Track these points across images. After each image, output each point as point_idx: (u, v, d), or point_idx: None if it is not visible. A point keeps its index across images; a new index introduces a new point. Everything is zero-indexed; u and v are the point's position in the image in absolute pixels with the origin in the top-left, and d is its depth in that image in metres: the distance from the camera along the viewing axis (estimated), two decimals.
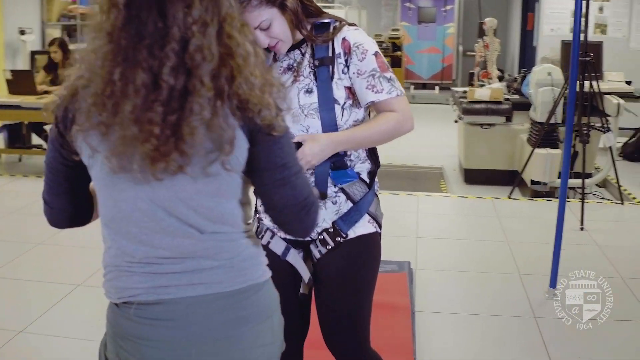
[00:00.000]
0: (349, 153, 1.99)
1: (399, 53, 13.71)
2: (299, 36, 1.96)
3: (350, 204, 2.00)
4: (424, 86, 14.94)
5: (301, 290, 2.11)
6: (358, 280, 2.06)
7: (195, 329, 1.41)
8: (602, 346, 3.34)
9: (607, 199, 6.26)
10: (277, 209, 1.46)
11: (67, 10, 10.14)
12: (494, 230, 5.22)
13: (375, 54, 1.93)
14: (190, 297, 1.40)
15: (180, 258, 1.41)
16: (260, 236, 2.09)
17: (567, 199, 6.23)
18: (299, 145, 1.85)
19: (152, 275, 1.41)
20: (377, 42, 13.26)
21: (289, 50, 1.98)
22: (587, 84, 5.57)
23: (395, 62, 13.32)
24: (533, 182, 6.16)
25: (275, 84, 1.40)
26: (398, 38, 13.80)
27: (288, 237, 2.05)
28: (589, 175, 6.00)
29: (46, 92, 7.03)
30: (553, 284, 3.94)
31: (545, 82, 6.06)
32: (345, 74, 1.93)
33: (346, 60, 1.92)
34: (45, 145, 7.38)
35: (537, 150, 5.95)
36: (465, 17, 14.36)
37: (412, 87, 14.38)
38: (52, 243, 4.77)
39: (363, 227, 2.02)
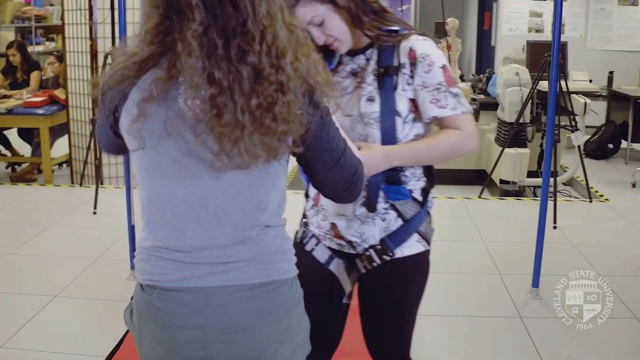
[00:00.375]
0: (404, 168, 1.90)
1: None
2: (365, 40, 1.88)
3: (400, 222, 1.92)
4: None
5: (344, 300, 2.06)
6: (403, 299, 2.01)
7: (212, 318, 1.43)
8: (590, 344, 3.37)
9: (575, 197, 6.36)
10: (329, 188, 1.53)
11: (21, 12, 9.87)
12: (469, 231, 5.25)
13: (443, 67, 1.82)
14: (210, 287, 1.43)
15: (207, 249, 1.43)
16: (305, 242, 2.06)
17: (537, 198, 6.35)
18: None
19: (178, 264, 1.44)
20: None
21: (354, 55, 1.91)
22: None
23: None
24: (502, 181, 6.22)
25: (324, 66, 1.44)
26: None
27: (333, 246, 2.01)
28: (556, 174, 6.08)
29: (5, 97, 6.84)
30: (535, 283, 3.98)
31: (513, 82, 6.11)
32: (409, 85, 1.83)
33: (411, 71, 1.82)
34: (3, 151, 7.18)
35: (507, 150, 6.00)
36: (421, 17, 14.43)
37: None
38: (23, 253, 4.64)
39: (411, 247, 1.94)
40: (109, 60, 5.60)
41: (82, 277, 4.20)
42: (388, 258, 1.93)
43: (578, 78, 6.88)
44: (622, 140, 7.89)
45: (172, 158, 1.39)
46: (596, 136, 7.96)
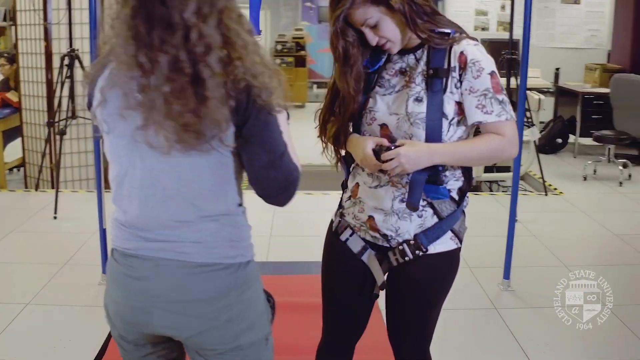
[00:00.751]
0: (445, 168, 1.93)
1: (303, 53, 13.61)
2: (415, 40, 1.91)
3: (435, 219, 1.95)
4: (326, 85, 14.92)
5: (375, 291, 2.10)
6: (431, 294, 2.06)
7: (158, 287, 1.56)
8: (566, 332, 3.48)
9: (530, 191, 6.53)
10: (261, 187, 1.56)
11: None
12: None
13: (491, 73, 1.85)
14: (161, 258, 1.56)
15: (158, 228, 1.56)
16: (340, 232, 2.11)
17: (493, 192, 6.51)
18: (397, 147, 1.84)
19: (135, 237, 1.59)
20: (281, 42, 13.00)
21: (403, 54, 1.94)
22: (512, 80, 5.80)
23: (300, 62, 13.27)
24: None
25: (273, 69, 1.51)
26: (302, 37, 13.73)
27: (367, 238, 2.05)
28: (508, 169, 6.24)
29: None
30: (507, 275, 4.09)
31: None
32: (457, 88, 1.86)
33: (460, 75, 1.85)
34: None
35: None
36: None
37: (315, 86, 14.41)
38: None
39: (444, 244, 1.98)
40: (65, 62, 5.50)
41: (52, 283, 4.11)
42: (420, 253, 1.97)
43: (531, 75, 7.05)
44: (570, 135, 8.14)
45: (126, 140, 1.53)
46: (544, 131, 8.18)
